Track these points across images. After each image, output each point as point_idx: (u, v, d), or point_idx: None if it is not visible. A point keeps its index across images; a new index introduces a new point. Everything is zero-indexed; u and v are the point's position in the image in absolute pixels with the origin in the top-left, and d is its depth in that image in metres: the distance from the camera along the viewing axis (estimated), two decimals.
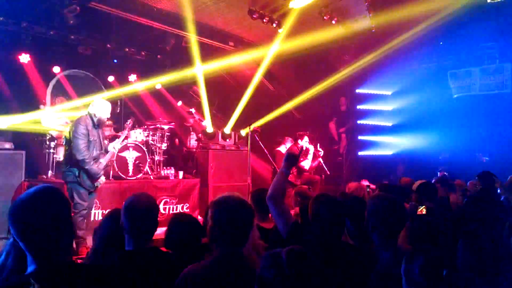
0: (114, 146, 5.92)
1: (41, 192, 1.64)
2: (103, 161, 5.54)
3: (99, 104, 5.48)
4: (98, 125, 5.51)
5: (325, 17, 8.13)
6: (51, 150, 7.07)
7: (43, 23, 7.78)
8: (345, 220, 2.63)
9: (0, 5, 7.00)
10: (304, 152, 8.19)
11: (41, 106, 8.25)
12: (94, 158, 5.38)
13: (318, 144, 8.77)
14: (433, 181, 5.22)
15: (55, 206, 1.64)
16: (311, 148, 8.40)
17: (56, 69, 8.58)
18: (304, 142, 8.25)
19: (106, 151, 5.75)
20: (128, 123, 6.66)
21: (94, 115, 5.42)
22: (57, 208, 1.64)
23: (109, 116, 5.65)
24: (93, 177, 5.37)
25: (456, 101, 9.64)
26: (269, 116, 9.82)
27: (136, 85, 9.69)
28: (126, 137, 6.88)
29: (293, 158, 2.87)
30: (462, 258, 2.42)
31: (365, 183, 6.00)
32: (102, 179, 5.56)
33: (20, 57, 8.02)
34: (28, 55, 8.06)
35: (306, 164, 8.29)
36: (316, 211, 2.50)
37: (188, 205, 7.67)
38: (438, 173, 7.87)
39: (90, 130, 5.36)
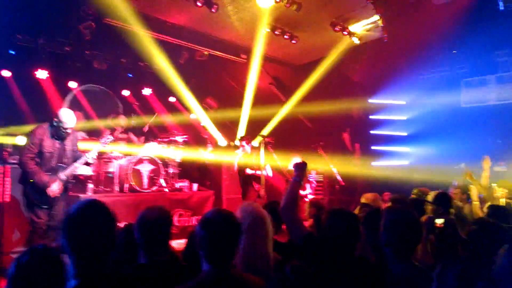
0: (87, 156, 5.17)
1: (90, 206, 1.73)
2: (63, 174, 4.99)
3: (60, 113, 4.95)
4: (59, 135, 4.95)
5: (336, 28, 8.16)
6: None
7: (60, 39, 7.96)
8: (361, 233, 2.59)
9: (18, 22, 7.19)
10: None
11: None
12: (48, 170, 4.89)
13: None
14: (450, 190, 5.14)
15: (102, 219, 1.72)
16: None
17: (73, 84, 8.74)
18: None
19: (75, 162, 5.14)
20: (106, 137, 5.65)
21: (54, 122, 4.89)
22: (104, 222, 1.72)
23: (72, 125, 5.01)
24: (43, 189, 4.82)
25: (471, 110, 9.52)
26: (280, 126, 9.83)
27: (150, 98, 9.83)
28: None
29: (303, 166, 2.85)
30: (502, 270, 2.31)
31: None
32: (54, 187, 4.90)
33: (37, 72, 8.20)
34: (45, 71, 8.23)
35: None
36: (330, 224, 2.48)
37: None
38: (455, 182, 7.74)
39: (46, 140, 4.86)
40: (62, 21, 7.05)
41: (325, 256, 2.33)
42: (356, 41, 8.68)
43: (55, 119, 4.88)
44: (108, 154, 7.32)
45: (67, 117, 4.92)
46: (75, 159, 5.17)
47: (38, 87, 8.26)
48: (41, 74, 8.22)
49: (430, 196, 3.94)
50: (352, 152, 10.40)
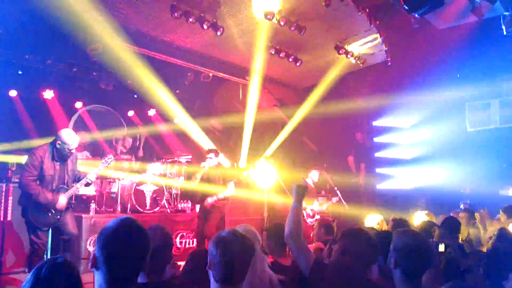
0: (88, 177, 5.05)
1: (125, 223, 1.75)
2: (64, 196, 4.87)
3: (63, 134, 4.83)
4: (62, 157, 4.87)
5: (340, 51, 8.24)
6: None
7: (67, 61, 8.06)
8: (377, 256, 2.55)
9: (27, 44, 7.30)
10: None
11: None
12: (50, 191, 4.80)
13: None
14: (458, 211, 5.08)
15: (136, 237, 1.73)
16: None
17: (78, 104, 8.82)
18: None
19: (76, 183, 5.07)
20: (107, 158, 5.53)
21: (58, 144, 4.78)
22: (138, 239, 1.73)
23: (75, 147, 4.91)
24: (47, 207, 4.75)
25: (476, 133, 9.51)
26: (283, 149, 9.81)
27: (155, 119, 9.89)
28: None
29: (301, 189, 2.81)
30: None
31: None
32: (62, 200, 4.83)
33: (44, 93, 8.29)
34: (52, 91, 8.32)
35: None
36: (347, 246, 2.45)
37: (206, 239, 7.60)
38: (461, 205, 7.66)
39: (46, 162, 4.76)
40: (71, 43, 7.15)
41: (338, 282, 2.27)
42: (359, 64, 8.75)
43: (58, 141, 4.78)
44: (109, 175, 7.33)
45: (71, 138, 4.85)
46: (76, 179, 5.12)
47: (45, 107, 8.33)
48: (48, 94, 8.31)
49: (438, 220, 3.89)
50: (356, 174, 10.33)
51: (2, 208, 5.60)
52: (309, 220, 7.93)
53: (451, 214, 4.62)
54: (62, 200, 4.84)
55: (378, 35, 7.68)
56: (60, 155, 4.84)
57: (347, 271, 2.37)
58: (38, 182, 4.76)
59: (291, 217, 2.73)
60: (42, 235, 4.78)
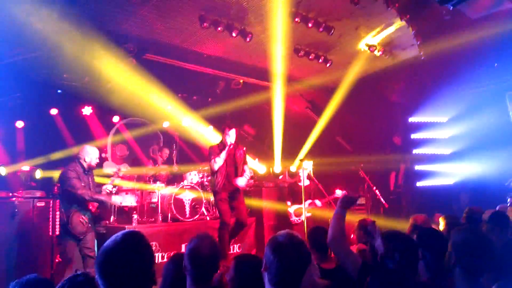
0: (106, 187, 5.76)
1: (127, 239, 1.67)
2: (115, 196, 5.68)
3: (87, 150, 5.51)
4: (88, 171, 5.50)
5: (370, 49, 8.12)
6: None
7: (103, 77, 8.31)
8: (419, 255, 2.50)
9: (65, 63, 7.59)
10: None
11: (103, 155, 8.72)
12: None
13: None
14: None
15: (140, 252, 1.67)
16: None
17: (116, 119, 9.08)
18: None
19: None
20: (116, 169, 6.29)
21: (84, 160, 5.44)
22: (142, 254, 1.67)
23: (97, 161, 5.61)
24: (104, 203, 5.52)
25: None
26: (318, 150, 9.74)
27: (190, 128, 10.06)
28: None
29: (351, 200, 2.80)
30: None
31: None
32: (116, 198, 5.75)
33: (83, 110, 8.59)
34: (90, 107, 8.61)
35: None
36: (389, 249, 2.41)
37: (244, 244, 7.64)
38: (508, 199, 7.35)
39: (81, 176, 5.35)
40: (105, 60, 7.37)
41: (385, 283, 2.23)
42: (392, 60, 8.59)
43: (85, 157, 5.42)
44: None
45: (94, 152, 5.51)
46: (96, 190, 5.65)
47: (84, 123, 8.63)
48: (87, 110, 8.60)
49: (486, 215, 3.76)
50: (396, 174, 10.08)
51: (51, 223, 5.82)
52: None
53: (497, 209, 4.44)
54: (117, 198, 5.77)
55: (409, 29, 7.49)
56: (89, 169, 5.48)
57: (395, 274, 2.31)
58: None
59: (333, 222, 2.71)
60: (73, 246, 5.18)
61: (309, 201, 7.76)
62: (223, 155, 6.13)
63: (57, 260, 5.97)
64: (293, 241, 2.01)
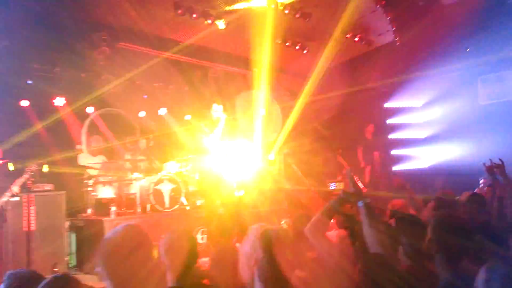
0: (12, 189, 5.49)
1: (126, 231, 1.72)
2: None
3: None
4: None
5: (347, 35, 8.15)
6: (90, 189, 7.24)
7: (75, 67, 8.08)
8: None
9: (34, 53, 7.33)
10: None
11: (77, 146, 8.51)
12: None
13: None
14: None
15: (140, 244, 1.69)
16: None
17: (90, 109, 8.86)
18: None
19: None
20: (30, 167, 5.76)
21: None
22: (142, 247, 1.70)
23: None
24: None
25: (490, 106, 9.36)
26: (296, 137, 9.76)
27: (166, 118, 9.91)
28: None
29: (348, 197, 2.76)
30: None
31: None
32: None
33: (54, 100, 8.33)
34: (63, 98, 8.35)
35: None
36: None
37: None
38: (481, 181, 7.55)
39: None
40: (78, 49, 7.17)
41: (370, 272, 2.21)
42: (367, 46, 8.66)
43: None
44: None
45: None
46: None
47: (57, 115, 8.38)
48: (59, 101, 8.34)
49: (463, 197, 3.84)
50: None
51: (26, 218, 5.67)
52: None
53: (476, 191, 4.55)
54: None
55: (385, 16, 7.55)
56: None
57: (377, 262, 2.29)
58: None
59: (322, 214, 2.68)
60: None
61: None
62: (218, 131, 5.95)
63: None
64: (285, 236, 1.98)
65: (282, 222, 6.32)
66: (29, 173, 5.56)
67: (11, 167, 6.35)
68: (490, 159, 4.29)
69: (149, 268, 1.70)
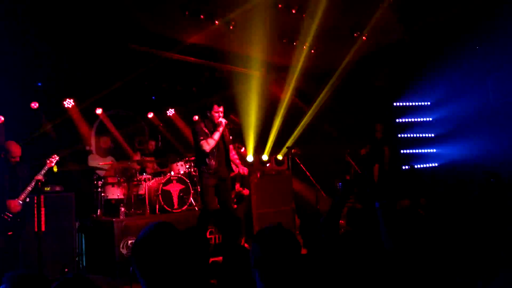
0: (36, 178, 5.57)
1: (158, 230, 1.71)
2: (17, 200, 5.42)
3: (6, 145, 5.43)
4: (8, 166, 5.42)
5: (355, 34, 8.10)
6: (99, 189, 7.28)
7: (84, 68, 8.13)
8: None
9: (43, 55, 7.38)
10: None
11: (87, 147, 8.57)
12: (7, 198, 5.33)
13: None
14: None
15: (173, 243, 1.70)
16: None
17: (99, 111, 8.91)
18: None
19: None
20: (52, 157, 5.90)
21: (4, 155, 5.38)
22: (175, 245, 1.70)
23: (17, 155, 5.45)
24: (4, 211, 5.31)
25: (500, 105, 9.25)
26: (304, 136, 9.73)
27: (175, 118, 9.96)
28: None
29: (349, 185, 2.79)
30: None
31: None
32: (14, 204, 5.39)
33: (64, 102, 8.39)
34: (71, 100, 8.41)
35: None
36: None
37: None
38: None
39: None
40: (86, 50, 7.22)
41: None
42: (376, 45, 8.59)
43: (2, 152, 5.35)
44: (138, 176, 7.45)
45: (12, 148, 5.39)
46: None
47: (66, 116, 8.45)
48: (68, 103, 8.40)
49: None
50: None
51: (36, 219, 5.71)
52: None
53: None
54: (14, 204, 5.37)
55: (392, 14, 7.49)
56: (7, 165, 5.38)
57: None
58: None
59: (332, 209, 2.69)
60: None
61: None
62: (217, 135, 5.67)
63: None
64: (282, 234, 1.93)
65: None
66: (50, 164, 5.73)
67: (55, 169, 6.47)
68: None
69: (182, 265, 1.71)
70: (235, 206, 6.97)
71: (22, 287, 1.71)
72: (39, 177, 5.56)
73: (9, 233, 5.35)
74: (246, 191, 7.63)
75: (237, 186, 7.55)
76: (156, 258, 1.64)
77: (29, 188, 5.48)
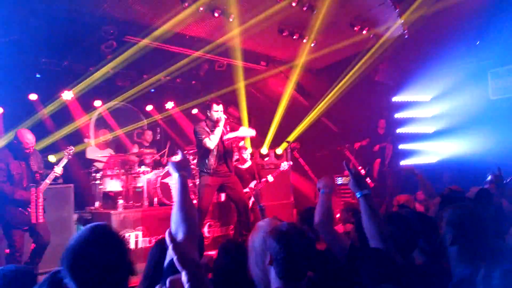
0: (56, 170, 5.40)
1: (93, 234, 1.54)
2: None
3: (20, 134, 5.08)
4: (22, 156, 5.11)
5: (355, 28, 8.06)
6: (97, 182, 7.28)
7: (83, 61, 8.10)
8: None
9: (42, 47, 7.36)
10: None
11: (85, 140, 8.56)
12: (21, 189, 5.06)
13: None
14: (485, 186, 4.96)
15: (109, 246, 1.54)
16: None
17: (98, 103, 8.89)
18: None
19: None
20: (69, 149, 5.77)
21: (17, 144, 5.05)
22: (111, 248, 1.54)
23: (32, 145, 5.12)
24: (24, 204, 5.04)
25: (500, 101, 9.23)
26: (304, 131, 9.73)
27: (173, 112, 9.93)
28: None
29: (328, 180, 2.77)
30: None
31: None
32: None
33: (63, 94, 8.37)
34: (70, 92, 8.39)
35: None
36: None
37: (232, 226, 7.65)
38: (489, 176, 7.46)
39: (11, 162, 5.03)
40: (85, 43, 7.18)
41: (379, 268, 2.17)
42: (376, 39, 8.56)
43: (14, 140, 5.07)
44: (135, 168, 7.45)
45: (26, 137, 5.06)
46: (43, 177, 5.32)
47: (65, 108, 8.43)
48: (67, 95, 8.38)
49: (471, 193, 3.80)
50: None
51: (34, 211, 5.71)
52: None
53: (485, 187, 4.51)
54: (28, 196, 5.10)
55: (393, 8, 7.45)
56: (20, 154, 5.09)
57: (388, 258, 2.21)
58: (8, 183, 4.99)
59: (320, 204, 2.69)
60: (17, 235, 5.02)
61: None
62: (218, 131, 5.74)
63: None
64: (297, 230, 1.94)
65: None
66: (68, 156, 5.60)
67: (52, 158, 6.41)
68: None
69: (122, 272, 1.53)
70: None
71: (10, 282, 1.65)
72: (59, 170, 5.40)
73: (25, 228, 5.16)
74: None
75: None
76: (92, 266, 1.46)
77: (48, 181, 5.30)
